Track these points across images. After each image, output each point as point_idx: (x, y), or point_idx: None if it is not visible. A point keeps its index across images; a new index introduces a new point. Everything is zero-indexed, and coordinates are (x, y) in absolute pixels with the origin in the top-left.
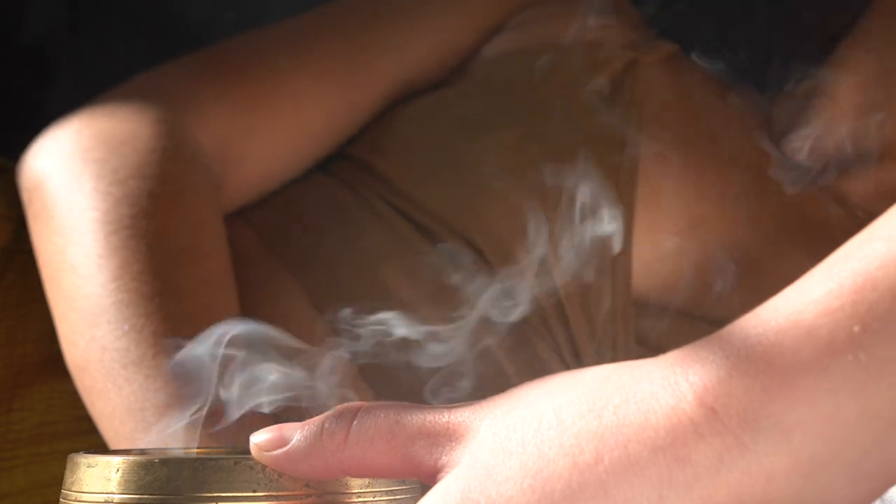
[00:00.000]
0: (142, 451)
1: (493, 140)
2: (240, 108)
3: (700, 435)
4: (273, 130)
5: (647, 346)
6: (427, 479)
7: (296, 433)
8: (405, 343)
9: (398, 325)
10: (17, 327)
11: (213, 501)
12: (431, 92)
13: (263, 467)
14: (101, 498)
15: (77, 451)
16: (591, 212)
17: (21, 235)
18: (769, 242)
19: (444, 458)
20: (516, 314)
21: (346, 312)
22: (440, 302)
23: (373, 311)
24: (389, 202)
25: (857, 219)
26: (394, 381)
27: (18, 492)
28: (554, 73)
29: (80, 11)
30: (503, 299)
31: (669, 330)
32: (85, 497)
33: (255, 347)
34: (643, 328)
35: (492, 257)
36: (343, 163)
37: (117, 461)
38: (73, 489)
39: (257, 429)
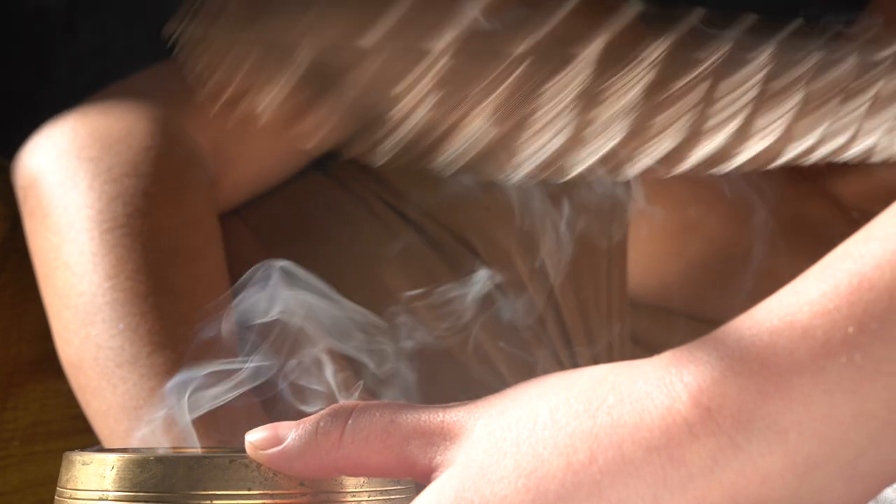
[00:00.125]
0: (137, 449)
1: None
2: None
3: (694, 435)
4: (269, 129)
5: (643, 346)
6: (422, 479)
7: (291, 432)
8: (404, 343)
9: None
10: (11, 327)
11: (207, 499)
12: None
13: (258, 466)
14: (96, 496)
15: (72, 449)
16: (587, 212)
17: (16, 234)
18: (764, 243)
19: (438, 457)
20: (512, 314)
21: (343, 314)
22: (437, 301)
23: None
24: (386, 201)
25: (853, 219)
26: (391, 382)
27: (12, 490)
28: None
29: (80, 11)
30: (499, 299)
31: (665, 330)
32: (80, 495)
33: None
34: (639, 328)
35: (488, 257)
36: (339, 162)
37: (112, 459)
38: (69, 487)
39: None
